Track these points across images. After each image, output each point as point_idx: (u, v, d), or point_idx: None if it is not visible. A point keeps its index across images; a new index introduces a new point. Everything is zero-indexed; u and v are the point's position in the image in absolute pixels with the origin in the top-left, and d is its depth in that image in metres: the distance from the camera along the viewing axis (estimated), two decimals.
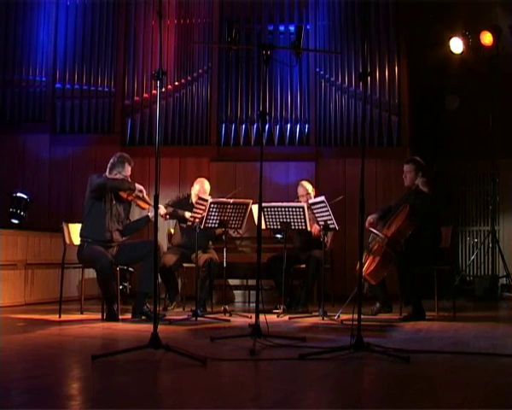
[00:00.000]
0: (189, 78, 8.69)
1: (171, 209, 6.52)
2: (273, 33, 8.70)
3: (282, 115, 8.51)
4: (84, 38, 8.78)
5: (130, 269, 7.42)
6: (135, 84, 8.72)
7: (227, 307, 6.09)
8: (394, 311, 6.12)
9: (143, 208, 6.03)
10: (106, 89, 8.73)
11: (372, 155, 7.84)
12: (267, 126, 8.24)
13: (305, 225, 6.14)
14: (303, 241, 6.66)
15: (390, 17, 8.46)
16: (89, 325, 5.32)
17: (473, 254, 9.27)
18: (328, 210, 5.92)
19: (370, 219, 6.02)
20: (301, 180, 6.91)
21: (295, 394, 2.83)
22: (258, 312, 4.21)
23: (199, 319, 5.59)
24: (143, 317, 5.59)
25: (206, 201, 6.10)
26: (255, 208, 6.29)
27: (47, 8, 8.83)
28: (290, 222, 6.17)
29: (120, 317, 5.57)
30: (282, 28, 8.71)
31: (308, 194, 6.67)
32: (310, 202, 6.23)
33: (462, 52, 8.68)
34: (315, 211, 6.09)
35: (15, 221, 7.34)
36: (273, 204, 6.19)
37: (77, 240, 5.91)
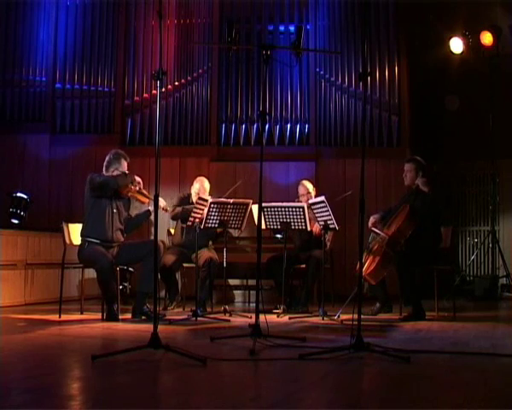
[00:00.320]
0: (189, 78, 8.69)
1: (179, 209, 6.53)
2: (273, 33, 8.70)
3: (282, 115, 8.51)
4: (84, 38, 8.78)
5: (130, 269, 7.43)
6: (135, 84, 8.73)
7: (227, 307, 6.09)
8: (394, 311, 6.12)
9: (143, 203, 6.04)
10: (106, 89, 8.73)
11: (372, 155, 7.84)
12: (267, 126, 8.24)
13: (305, 225, 6.14)
14: (303, 240, 6.66)
15: (390, 17, 8.45)
16: (89, 325, 5.32)
17: (473, 254, 9.27)
18: (328, 210, 5.92)
19: (373, 219, 6.02)
20: (302, 179, 6.92)
21: (295, 394, 2.83)
22: (258, 312, 4.21)
23: (199, 319, 5.59)
24: (143, 317, 5.60)
25: (206, 201, 6.10)
26: (255, 208, 6.29)
27: (47, 8, 8.83)
28: (290, 222, 6.17)
29: (120, 317, 5.56)
30: (282, 28, 8.71)
31: (309, 193, 6.67)
32: (310, 202, 6.23)
33: (462, 52, 8.68)
34: (315, 211, 6.09)
35: (15, 221, 7.34)
36: (273, 204, 6.19)
37: (77, 240, 5.91)
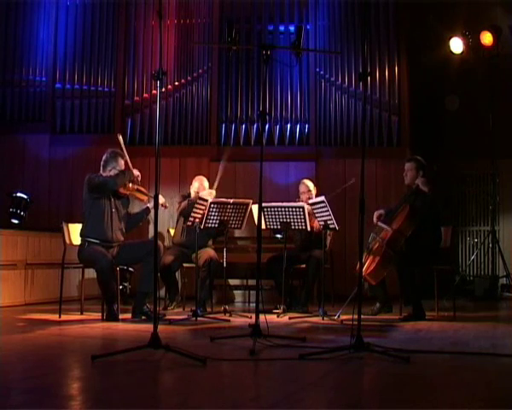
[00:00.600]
0: (189, 78, 8.68)
1: (185, 203, 6.53)
2: (273, 33, 8.70)
3: (282, 115, 8.51)
4: (84, 38, 8.78)
5: (130, 269, 7.43)
6: (135, 84, 8.72)
7: (227, 307, 6.09)
8: (394, 311, 6.12)
9: (142, 200, 6.04)
10: (106, 89, 8.73)
11: (372, 155, 7.84)
12: (267, 126, 8.24)
13: (305, 225, 6.14)
14: (304, 239, 6.66)
15: (390, 17, 8.46)
16: (89, 325, 5.32)
17: (473, 254, 9.27)
18: (328, 210, 5.92)
19: (377, 213, 6.03)
20: (303, 179, 6.91)
21: (295, 394, 2.83)
22: (258, 312, 4.21)
23: (199, 319, 5.58)
24: (143, 317, 5.59)
25: (206, 201, 6.10)
26: (255, 208, 6.29)
27: (47, 8, 8.83)
28: (290, 222, 6.17)
29: (120, 317, 5.56)
30: (282, 28, 8.70)
31: (309, 191, 6.67)
32: (310, 202, 6.23)
33: (462, 52, 8.68)
34: (315, 211, 6.09)
35: (15, 221, 7.34)
36: (273, 204, 6.19)
37: (77, 240, 5.91)
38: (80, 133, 8.68)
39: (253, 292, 7.78)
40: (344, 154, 8.33)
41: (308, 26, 8.57)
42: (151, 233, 8.07)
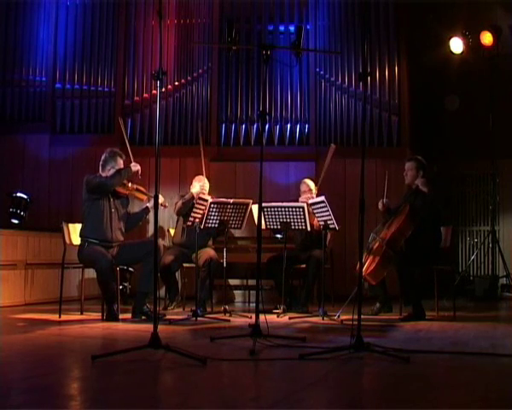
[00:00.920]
0: (189, 78, 8.69)
1: (180, 203, 6.52)
2: (273, 33, 8.70)
3: (282, 115, 8.51)
4: (84, 38, 8.78)
5: (130, 269, 7.43)
6: (135, 84, 8.72)
7: (227, 307, 6.09)
8: (394, 311, 6.13)
9: (141, 200, 6.04)
10: (106, 89, 8.73)
11: (372, 155, 7.83)
12: (267, 126, 8.24)
13: (305, 225, 6.14)
14: (304, 239, 6.65)
15: (390, 17, 8.46)
16: (89, 325, 5.32)
17: (473, 254, 9.27)
18: (328, 210, 5.92)
19: (381, 203, 6.03)
20: (303, 178, 6.91)
21: (295, 394, 2.83)
22: (258, 312, 4.21)
23: (199, 319, 5.59)
24: (143, 317, 5.59)
25: (206, 201, 6.10)
26: (255, 208, 6.29)
27: (47, 8, 8.83)
28: (290, 222, 6.17)
29: (120, 317, 5.57)
30: (282, 28, 8.71)
31: (310, 190, 6.67)
32: (310, 202, 6.23)
33: (462, 52, 8.68)
34: (315, 211, 6.09)
35: (15, 221, 7.34)
36: (273, 204, 6.19)
37: (77, 240, 5.91)
38: (80, 133, 8.68)
39: (253, 292, 7.78)
40: (344, 154, 8.31)
41: (308, 26, 8.58)
42: (151, 233, 8.07)
